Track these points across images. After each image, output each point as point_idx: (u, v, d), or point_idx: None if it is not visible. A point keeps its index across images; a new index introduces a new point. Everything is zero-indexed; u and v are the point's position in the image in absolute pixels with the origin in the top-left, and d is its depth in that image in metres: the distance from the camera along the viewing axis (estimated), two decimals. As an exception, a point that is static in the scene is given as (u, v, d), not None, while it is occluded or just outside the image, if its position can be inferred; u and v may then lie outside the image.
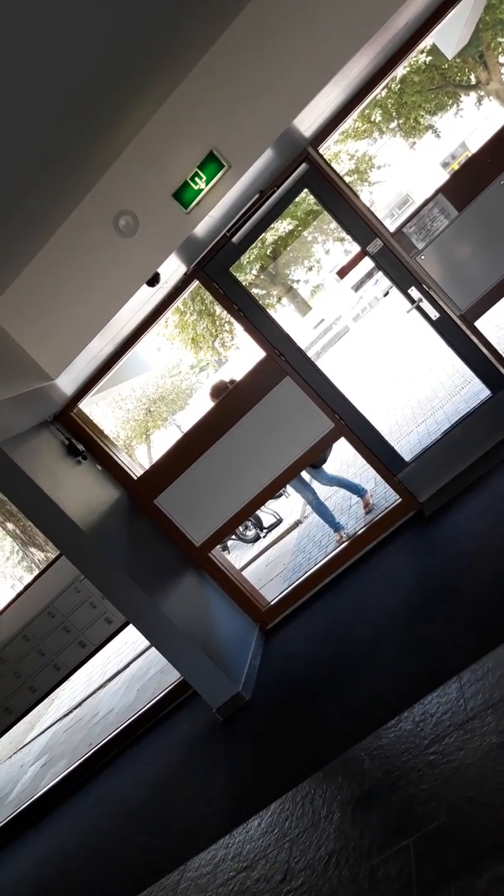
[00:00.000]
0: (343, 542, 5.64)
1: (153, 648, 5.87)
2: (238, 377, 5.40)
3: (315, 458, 5.57)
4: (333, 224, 26.36)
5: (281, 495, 10.38)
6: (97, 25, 2.97)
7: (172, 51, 3.70)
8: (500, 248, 4.80)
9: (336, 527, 6.47)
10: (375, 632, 4.19)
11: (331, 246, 33.79)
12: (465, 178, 4.82)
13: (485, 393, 5.08)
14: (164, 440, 29.19)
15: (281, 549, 8.38)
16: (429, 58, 18.55)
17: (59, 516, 4.60)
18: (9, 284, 4.35)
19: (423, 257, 4.89)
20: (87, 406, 5.54)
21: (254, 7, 3.85)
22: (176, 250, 4.30)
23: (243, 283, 5.14)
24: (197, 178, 4.08)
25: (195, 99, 4.03)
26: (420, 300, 4.85)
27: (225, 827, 3.62)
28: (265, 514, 9.63)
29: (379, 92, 5.29)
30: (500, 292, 4.85)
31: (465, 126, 28.46)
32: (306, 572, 5.60)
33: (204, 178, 4.07)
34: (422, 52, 17.79)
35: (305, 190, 4.86)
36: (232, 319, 8.26)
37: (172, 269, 4.62)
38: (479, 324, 4.98)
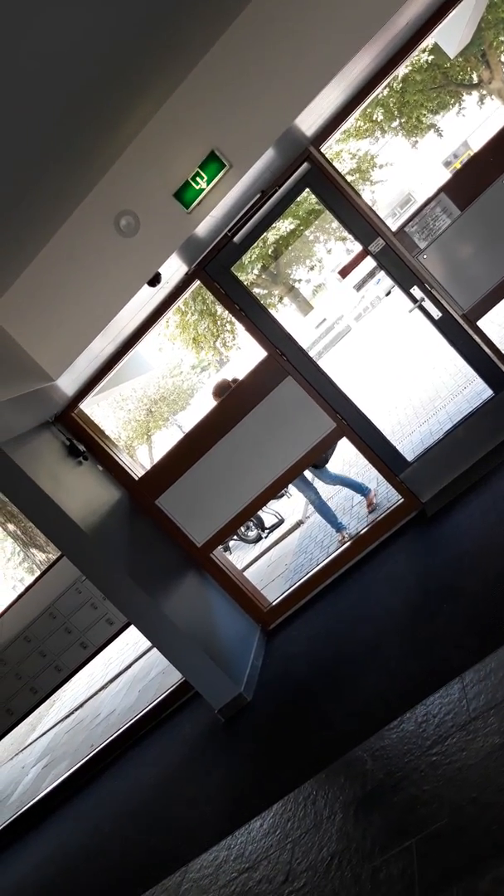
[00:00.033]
0: (345, 543, 5.64)
1: (155, 649, 5.86)
2: (241, 376, 5.38)
3: (317, 458, 5.57)
4: (335, 223, 26.37)
5: (282, 495, 10.37)
6: (97, 25, 2.97)
7: (173, 51, 3.69)
8: (502, 248, 4.79)
9: (338, 527, 6.47)
10: (377, 632, 4.19)
11: (332, 245, 33.75)
12: (468, 177, 4.81)
13: (487, 392, 5.07)
14: (166, 440, 29.16)
15: (283, 549, 8.38)
16: (431, 57, 18.56)
17: (61, 517, 4.59)
18: (10, 285, 4.34)
19: (425, 256, 4.88)
20: (88, 406, 5.53)
21: (254, 7, 3.85)
22: (177, 250, 4.30)
23: (245, 283, 5.14)
24: (198, 178, 4.08)
25: (196, 99, 4.02)
26: (422, 299, 4.84)
27: (227, 828, 3.62)
28: (267, 515, 9.63)
29: (381, 91, 5.28)
30: (502, 291, 4.84)
31: (467, 125, 28.44)
32: (308, 573, 5.59)
33: (205, 177, 4.07)
34: (424, 51, 17.79)
35: (307, 189, 4.85)
36: (233, 319, 8.26)
37: (173, 268, 4.62)
38: (481, 323, 4.97)
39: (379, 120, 20.51)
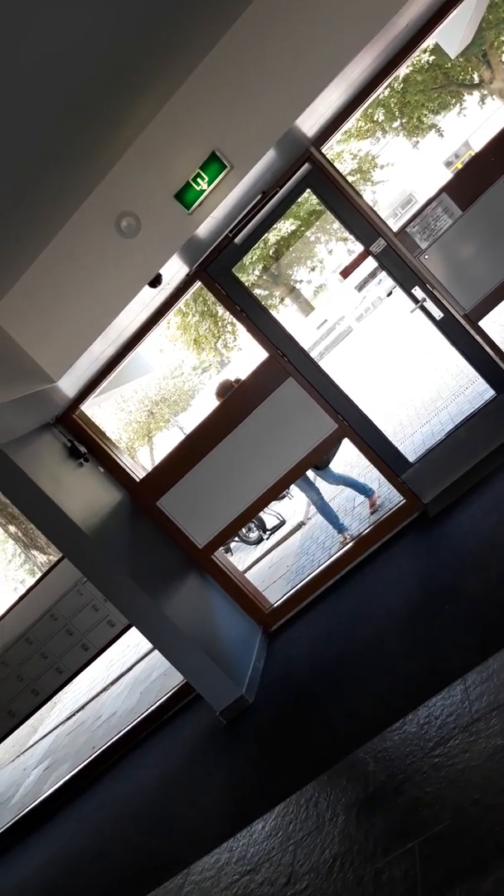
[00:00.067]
0: (347, 544, 5.63)
1: (156, 651, 5.86)
2: (244, 376, 5.38)
3: (318, 459, 5.56)
4: (336, 224, 26.36)
5: (284, 497, 10.37)
6: (97, 26, 2.96)
7: (174, 51, 3.69)
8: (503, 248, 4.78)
9: (340, 528, 6.46)
10: (379, 633, 4.18)
11: (334, 246, 33.77)
12: (469, 177, 4.81)
13: (489, 393, 5.06)
14: (167, 442, 29.18)
15: (284, 550, 8.37)
16: (432, 57, 18.57)
17: (62, 519, 4.59)
18: (11, 286, 4.34)
19: (426, 257, 4.87)
20: (90, 408, 5.53)
21: (255, 7, 3.84)
22: (178, 251, 4.29)
23: (246, 284, 5.14)
24: (199, 179, 4.07)
25: (197, 99, 4.02)
26: (424, 300, 4.83)
27: (229, 830, 3.61)
28: (268, 516, 9.62)
29: (381, 91, 5.28)
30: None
31: (468, 125, 28.42)
32: (310, 574, 5.58)
33: (206, 178, 4.06)
34: (424, 51, 17.79)
35: (308, 190, 4.85)
36: (234, 320, 8.26)
37: (174, 270, 4.61)
38: (483, 323, 4.96)
39: (380, 120, 20.52)
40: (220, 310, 18.59)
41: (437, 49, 17.29)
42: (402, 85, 19.08)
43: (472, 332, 4.89)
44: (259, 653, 5.22)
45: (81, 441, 5.27)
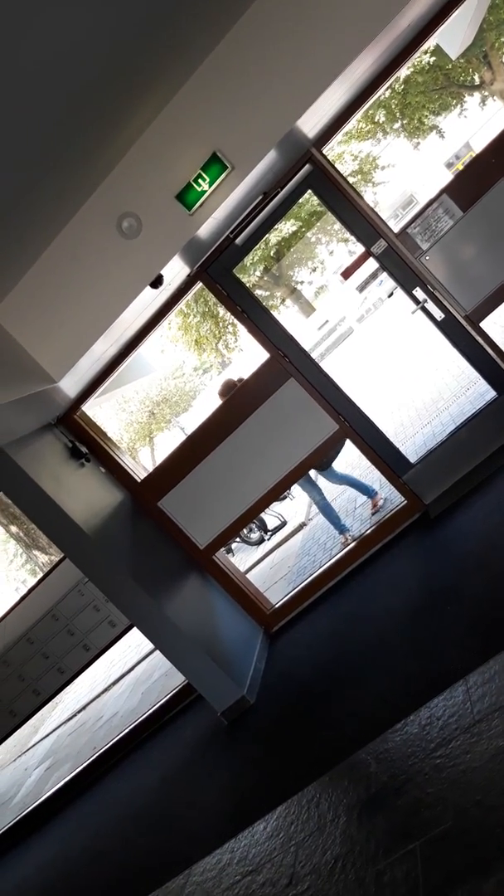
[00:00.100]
0: (348, 545, 5.63)
1: (157, 652, 5.86)
2: (247, 376, 5.38)
3: (320, 459, 5.56)
4: (337, 225, 26.34)
5: (285, 497, 10.37)
6: (98, 26, 2.96)
7: (175, 52, 3.69)
8: (504, 249, 4.79)
9: (341, 528, 6.46)
10: (381, 634, 4.18)
11: (335, 247, 33.76)
12: (470, 179, 4.81)
13: (490, 394, 5.06)
14: (168, 442, 29.20)
15: (285, 551, 8.38)
16: (432, 58, 18.57)
17: (63, 519, 4.60)
18: (12, 287, 4.34)
19: (427, 258, 4.87)
20: (91, 408, 5.53)
21: (256, 8, 3.84)
22: (179, 252, 4.29)
23: (247, 285, 5.14)
24: (200, 180, 4.07)
25: (198, 100, 4.02)
26: (425, 301, 4.83)
27: (230, 831, 3.61)
28: (269, 517, 9.63)
29: (382, 92, 5.28)
30: (505, 293, 4.84)
31: (469, 126, 28.43)
32: (311, 575, 5.58)
33: (207, 179, 4.06)
34: (425, 52, 17.81)
35: (309, 191, 4.85)
36: (235, 321, 8.25)
37: (176, 270, 4.62)
38: (484, 324, 4.96)
39: (381, 121, 20.53)
40: (222, 310, 18.59)
41: (437, 50, 17.29)
42: (402, 86, 19.08)
43: (474, 333, 4.89)
44: (260, 653, 5.22)
45: (83, 441, 5.27)
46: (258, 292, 27.03)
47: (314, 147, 4.68)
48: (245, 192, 4.36)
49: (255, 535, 9.75)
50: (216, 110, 4.01)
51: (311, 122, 4.24)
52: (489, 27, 17.28)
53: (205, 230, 4.32)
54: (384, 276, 19.75)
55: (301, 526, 8.88)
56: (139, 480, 5.41)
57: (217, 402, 5.72)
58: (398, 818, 2.72)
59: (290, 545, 8.53)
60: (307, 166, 4.70)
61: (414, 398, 9.67)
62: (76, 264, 4.30)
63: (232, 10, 3.79)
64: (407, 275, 4.84)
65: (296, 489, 10.32)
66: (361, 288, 31.96)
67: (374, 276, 30.20)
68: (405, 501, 5.18)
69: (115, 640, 5.71)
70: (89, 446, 5.29)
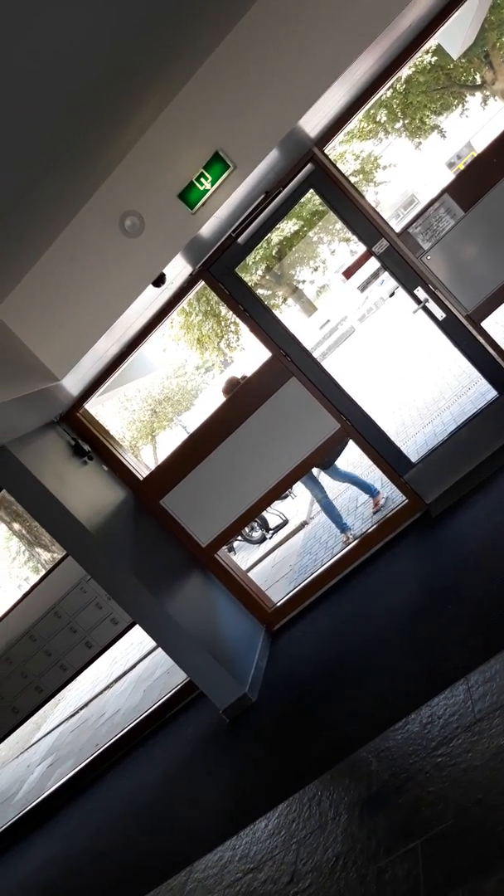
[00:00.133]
0: (349, 543, 5.64)
1: (159, 649, 5.87)
2: (251, 373, 5.38)
3: (321, 458, 5.57)
4: (339, 224, 26.36)
5: (287, 496, 10.38)
6: (99, 26, 2.96)
7: (176, 52, 3.70)
8: (506, 248, 4.79)
9: (343, 527, 6.47)
10: (382, 633, 4.19)
11: (336, 246, 33.72)
12: (471, 178, 4.81)
13: (491, 394, 5.06)
14: (170, 441, 29.21)
15: (287, 550, 8.39)
16: (434, 58, 18.56)
17: (65, 517, 4.61)
18: (15, 285, 4.35)
19: (429, 257, 4.87)
20: (93, 407, 5.54)
21: (258, 8, 3.84)
22: (181, 251, 4.30)
23: (249, 284, 5.14)
24: (202, 179, 4.07)
25: (200, 100, 4.02)
26: (426, 300, 4.84)
27: (231, 828, 3.62)
28: (271, 515, 9.64)
29: (384, 92, 5.28)
30: (506, 292, 4.84)
31: (470, 126, 28.39)
32: (312, 573, 5.59)
33: (209, 178, 4.06)
34: (427, 52, 17.79)
35: (311, 190, 4.86)
36: (237, 320, 8.26)
37: (178, 269, 4.62)
38: (485, 324, 4.96)
39: (382, 121, 20.50)
40: (224, 309, 18.61)
41: (439, 50, 17.29)
42: (404, 86, 19.07)
43: (475, 332, 4.89)
44: (262, 651, 5.23)
45: (85, 439, 5.28)
46: (260, 291, 27.03)
47: (316, 146, 4.69)
48: (247, 192, 4.36)
49: (256, 534, 9.76)
50: (218, 109, 4.02)
51: (312, 122, 4.25)
52: (490, 27, 17.27)
53: (207, 229, 4.33)
54: (385, 275, 19.74)
55: (302, 524, 8.89)
56: (141, 479, 5.42)
57: (220, 399, 5.73)
58: (399, 816, 2.73)
59: (291, 544, 8.54)
60: (309, 165, 4.71)
61: (415, 397, 9.67)
62: (79, 263, 4.31)
63: (233, 10, 3.79)
64: (408, 274, 4.85)
65: (297, 488, 10.36)
66: (363, 287, 31.93)
67: (375, 275, 30.17)
68: (406, 500, 5.19)
69: (117, 638, 5.72)
70: (92, 444, 5.30)
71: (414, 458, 5.20)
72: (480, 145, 29.91)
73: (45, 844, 5.53)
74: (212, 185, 4.08)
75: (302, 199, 5.15)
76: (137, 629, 5.35)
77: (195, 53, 3.87)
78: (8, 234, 3.81)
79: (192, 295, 5.22)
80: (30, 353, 4.44)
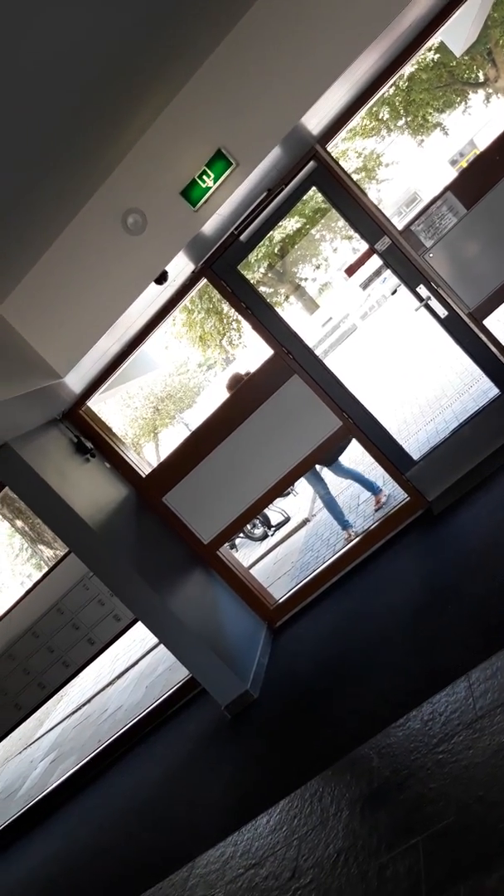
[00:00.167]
0: (351, 541, 5.64)
1: (161, 646, 5.88)
2: (253, 370, 5.38)
3: (323, 456, 5.57)
4: (341, 222, 26.30)
5: (289, 493, 10.38)
6: (99, 26, 2.96)
7: (177, 52, 3.69)
8: (509, 246, 4.78)
9: (344, 524, 6.48)
10: (383, 630, 4.19)
11: (339, 244, 33.68)
12: (474, 176, 4.81)
13: (493, 391, 5.07)
14: (172, 438, 29.22)
15: (289, 547, 8.39)
16: (437, 55, 18.54)
17: (68, 514, 4.62)
18: (18, 283, 4.35)
19: (431, 255, 4.87)
20: (96, 404, 5.55)
21: (259, 7, 3.84)
22: (184, 248, 4.30)
23: (251, 281, 5.14)
24: (205, 176, 4.07)
25: (202, 97, 4.02)
26: (428, 298, 4.84)
27: (233, 824, 3.63)
28: (273, 513, 9.64)
29: (386, 90, 5.27)
30: (508, 290, 4.84)
31: (473, 123, 28.33)
32: (314, 570, 5.60)
33: (212, 176, 4.06)
34: (429, 49, 17.76)
35: (313, 188, 4.85)
36: (240, 317, 8.26)
37: (180, 267, 4.62)
38: (487, 322, 4.96)
39: (385, 118, 20.49)
40: (226, 307, 18.60)
41: (442, 47, 17.24)
42: (407, 83, 19.06)
43: (477, 330, 4.89)
44: (264, 648, 5.24)
45: (88, 437, 5.29)
46: (262, 289, 27.03)
47: (318, 144, 4.69)
48: (249, 189, 4.37)
49: (258, 531, 9.77)
50: (220, 108, 4.02)
51: (315, 119, 4.25)
52: (494, 24, 17.25)
53: (209, 227, 4.33)
54: (388, 273, 19.71)
55: (304, 522, 8.89)
56: (144, 476, 5.43)
57: (224, 395, 5.73)
58: (400, 813, 2.74)
59: (293, 541, 8.54)
60: (311, 163, 4.70)
61: (417, 395, 9.67)
62: (81, 260, 4.31)
63: (233, 9, 3.79)
64: (410, 272, 4.85)
65: (299, 486, 10.36)
66: (365, 285, 31.87)
67: (377, 273, 30.10)
68: (408, 498, 5.19)
69: (119, 635, 5.74)
70: (94, 442, 5.31)
71: (416, 455, 5.20)
72: (483, 143, 29.84)
73: (47, 840, 5.55)
74: (214, 183, 4.08)
75: (304, 197, 5.14)
76: (140, 626, 5.36)
77: (196, 53, 3.87)
78: (11, 232, 3.81)
79: (194, 292, 5.23)
80: (32, 351, 4.45)
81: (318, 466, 6.59)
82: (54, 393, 4.70)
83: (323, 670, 4.40)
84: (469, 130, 31.32)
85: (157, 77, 3.75)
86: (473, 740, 2.71)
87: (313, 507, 9.18)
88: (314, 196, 21.17)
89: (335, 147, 5.30)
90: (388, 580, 4.77)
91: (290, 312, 35.30)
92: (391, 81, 4.69)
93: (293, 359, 5.03)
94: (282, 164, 4.49)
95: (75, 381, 4.83)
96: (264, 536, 9.67)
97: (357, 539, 5.44)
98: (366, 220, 4.80)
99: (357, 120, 5.17)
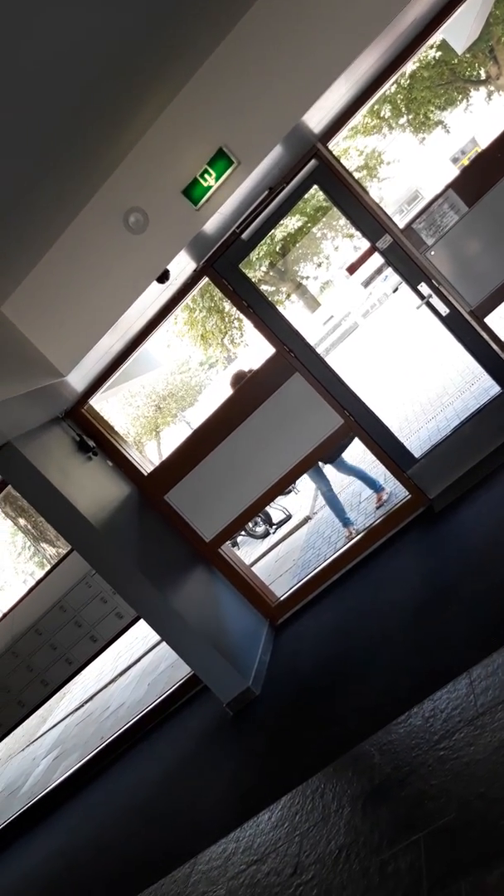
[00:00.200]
0: (352, 538, 5.65)
1: (163, 643, 5.90)
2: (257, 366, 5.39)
3: (325, 454, 5.58)
4: (343, 220, 26.31)
5: (290, 491, 10.40)
6: (99, 26, 2.96)
7: (177, 52, 3.70)
8: (510, 244, 4.78)
9: (345, 521, 6.48)
10: (385, 627, 4.20)
11: (340, 242, 33.67)
12: (475, 174, 4.81)
13: (495, 389, 5.07)
14: (174, 436, 29.25)
15: (290, 545, 8.40)
16: (438, 53, 18.51)
17: (70, 512, 4.63)
18: (20, 282, 4.37)
19: (432, 253, 4.87)
20: (98, 403, 5.56)
21: (261, 4, 3.85)
22: (186, 247, 4.31)
23: (252, 280, 5.15)
24: (206, 175, 4.08)
25: (204, 96, 4.03)
26: (430, 296, 4.84)
27: (235, 820, 3.64)
28: (274, 511, 9.65)
29: (388, 87, 5.27)
30: (510, 288, 4.84)
31: (474, 121, 28.28)
32: (316, 568, 5.60)
33: (213, 174, 4.07)
34: (431, 47, 17.74)
35: (315, 186, 4.85)
36: (241, 316, 8.26)
37: (182, 265, 4.63)
38: (489, 319, 4.96)
39: (386, 116, 20.46)
40: (227, 305, 18.60)
41: (443, 45, 17.22)
42: (408, 81, 19.03)
43: (478, 328, 4.89)
44: (265, 645, 5.25)
45: (90, 435, 5.30)
46: (264, 287, 27.01)
47: (320, 142, 4.69)
48: (251, 188, 4.37)
49: (260, 529, 9.79)
50: (221, 107, 4.03)
51: (316, 118, 4.25)
52: (496, 21, 17.21)
53: (211, 225, 4.34)
54: (389, 271, 19.68)
55: (306, 520, 8.90)
56: (146, 474, 5.44)
57: (227, 392, 5.74)
58: (402, 809, 2.75)
59: (294, 539, 8.55)
60: (313, 161, 4.71)
61: (418, 393, 9.67)
62: (83, 259, 4.32)
63: (233, 9, 3.80)
64: (412, 270, 4.85)
65: (301, 483, 10.37)
66: (366, 283, 31.86)
67: (379, 271, 30.09)
68: (409, 496, 5.20)
69: (121, 632, 5.75)
70: (96, 440, 5.32)
71: (417, 453, 5.20)
72: (485, 141, 29.80)
73: (49, 837, 5.57)
74: (216, 181, 4.08)
75: (306, 195, 5.14)
76: (142, 623, 5.37)
77: (196, 52, 3.87)
78: (13, 231, 3.82)
79: (196, 291, 5.23)
80: (35, 350, 4.46)
81: (320, 463, 6.59)
82: (56, 391, 4.71)
83: (324, 667, 4.41)
84: (471, 128, 31.26)
85: (157, 77, 3.75)
86: (475, 737, 2.71)
87: (315, 504, 9.19)
88: (316, 194, 21.15)
89: (336, 145, 5.30)
90: (389, 578, 4.78)
91: (292, 311, 35.28)
92: (393, 79, 4.69)
93: (295, 357, 5.03)
94: (283, 162, 4.49)
95: (77, 379, 4.84)
96: (266, 534, 9.68)
97: (358, 537, 5.45)
98: (367, 218, 4.80)
99: (358, 118, 5.17)
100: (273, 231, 5.20)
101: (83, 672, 6.21)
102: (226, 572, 5.56)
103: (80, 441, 5.13)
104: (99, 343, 4.49)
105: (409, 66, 16.78)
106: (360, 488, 7.45)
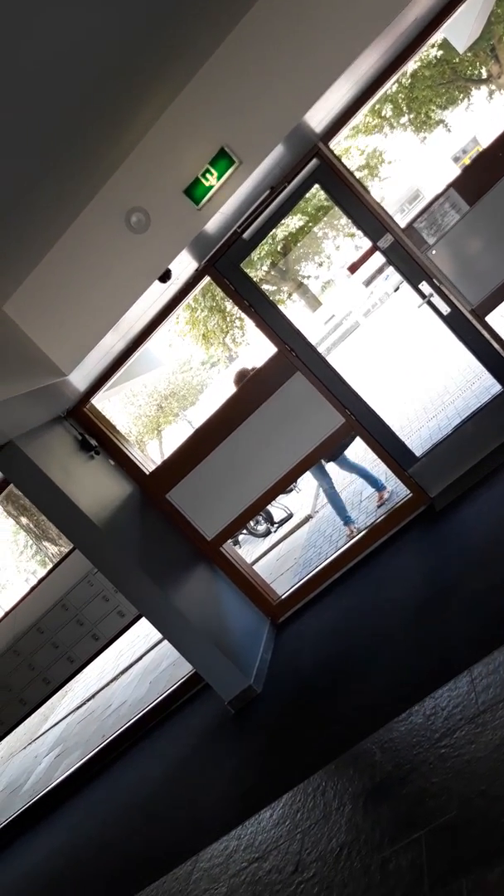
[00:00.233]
0: (353, 537, 5.66)
1: (165, 641, 5.91)
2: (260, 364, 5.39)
3: (326, 453, 5.58)
4: (344, 219, 26.29)
5: (291, 490, 10.41)
6: (99, 26, 2.97)
7: (177, 52, 3.70)
8: (511, 243, 4.79)
9: (346, 520, 6.49)
10: (386, 625, 4.21)
11: (341, 241, 33.65)
12: (477, 173, 4.81)
13: (496, 388, 5.07)
14: (176, 435, 29.27)
15: (292, 543, 8.41)
16: (440, 52, 18.47)
17: (72, 511, 4.64)
18: (22, 281, 4.37)
19: (433, 252, 4.88)
20: (100, 402, 5.57)
21: (261, 5, 3.85)
22: (187, 246, 4.31)
23: (254, 279, 5.15)
24: (208, 175, 4.08)
25: (205, 96, 4.03)
26: (431, 295, 4.84)
27: (237, 818, 3.65)
28: (276, 509, 9.67)
29: (389, 87, 5.28)
30: (511, 287, 4.84)
31: (476, 120, 28.25)
32: (317, 566, 5.61)
33: (215, 174, 4.07)
34: (432, 46, 17.70)
35: (316, 185, 4.86)
36: (243, 315, 8.27)
37: (183, 265, 4.64)
38: (490, 318, 4.96)
39: (388, 116, 20.42)
40: (229, 305, 18.58)
41: (445, 44, 17.20)
42: (409, 80, 18.99)
43: (479, 327, 4.90)
44: (267, 644, 5.26)
45: (92, 434, 5.31)
46: (265, 287, 26.99)
47: (321, 141, 4.69)
48: (252, 187, 4.37)
49: (261, 527, 9.80)
50: (222, 106, 4.03)
51: (318, 117, 4.25)
52: (497, 20, 17.17)
53: (212, 225, 4.34)
54: (390, 270, 19.65)
55: (307, 518, 8.91)
56: (147, 473, 5.45)
57: (230, 390, 5.75)
58: (403, 807, 2.75)
59: (296, 537, 8.56)
60: (314, 161, 4.71)
61: (419, 392, 9.67)
62: (85, 259, 4.33)
63: (234, 9, 3.80)
64: (413, 269, 4.85)
65: (302, 482, 10.38)
66: (368, 282, 31.85)
67: (380, 270, 30.06)
68: (410, 494, 5.20)
69: (123, 630, 5.76)
70: (98, 439, 5.33)
71: (418, 452, 5.21)
72: (486, 140, 29.77)
73: (51, 834, 5.58)
74: (217, 181, 4.09)
75: (307, 195, 5.15)
76: (144, 621, 5.38)
77: (197, 52, 3.88)
78: (14, 231, 3.83)
79: (197, 290, 5.24)
80: (36, 349, 4.47)
81: (323, 460, 6.60)
82: (58, 391, 4.72)
83: (325, 665, 4.42)
84: (472, 127, 31.24)
85: (158, 77, 3.75)
86: (476, 735, 2.72)
87: (316, 503, 9.20)
88: (317, 194, 21.12)
89: (338, 144, 5.30)
90: (390, 576, 4.79)
91: (293, 310, 35.30)
92: (394, 79, 4.69)
93: (296, 356, 5.04)
94: (284, 161, 4.50)
95: (79, 378, 4.85)
96: (267, 533, 9.70)
97: (359, 535, 5.46)
98: (368, 217, 4.81)
99: (360, 117, 5.17)
100: (274, 230, 5.20)
101: (85, 670, 6.23)
102: (227, 571, 5.57)
103: (81, 440, 5.14)
104: (101, 342, 4.50)
105: (411, 66, 16.75)
106: (361, 487, 7.45)
